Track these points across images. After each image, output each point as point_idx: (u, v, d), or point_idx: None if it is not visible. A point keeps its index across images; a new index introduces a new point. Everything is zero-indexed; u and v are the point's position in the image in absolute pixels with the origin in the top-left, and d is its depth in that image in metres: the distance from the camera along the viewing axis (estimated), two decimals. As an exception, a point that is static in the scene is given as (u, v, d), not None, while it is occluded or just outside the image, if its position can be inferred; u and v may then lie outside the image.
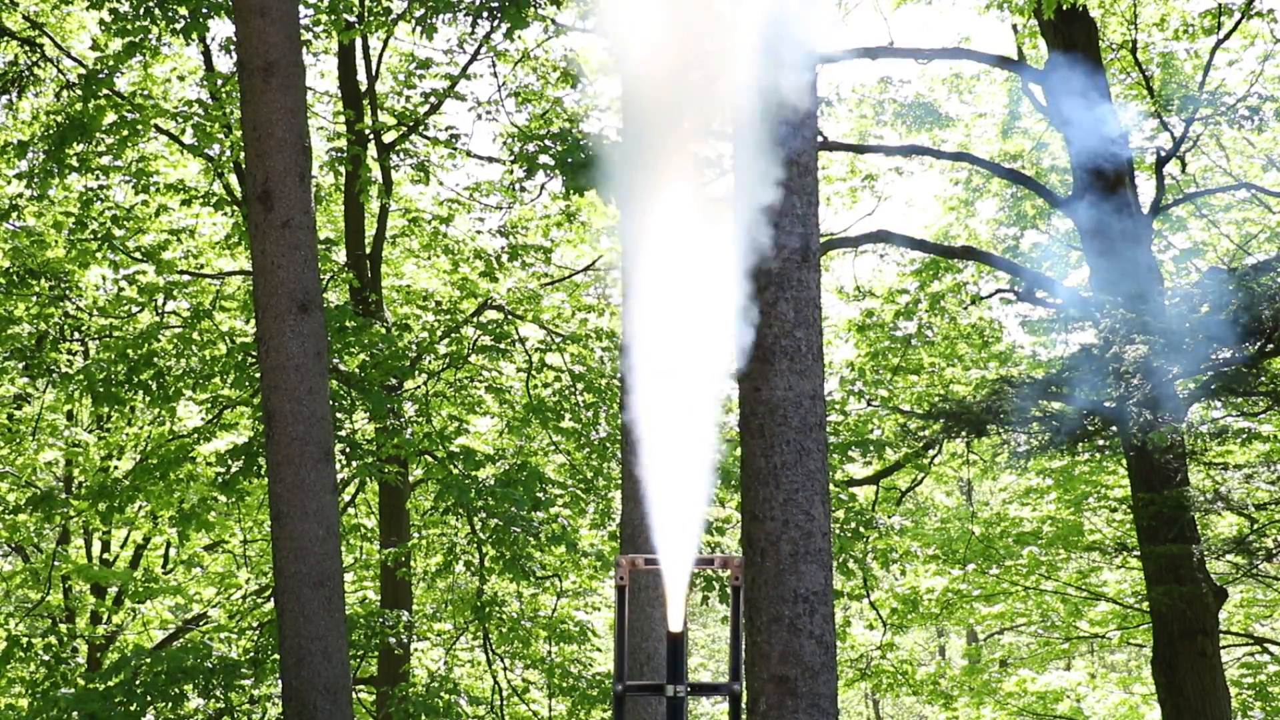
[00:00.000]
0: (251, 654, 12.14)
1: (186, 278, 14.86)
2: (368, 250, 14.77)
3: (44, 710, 9.99)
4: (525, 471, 12.32)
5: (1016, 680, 19.44)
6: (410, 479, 15.02)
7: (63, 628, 16.31)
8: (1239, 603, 18.05)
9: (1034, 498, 19.30)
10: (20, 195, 14.34)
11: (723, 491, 13.65)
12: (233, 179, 14.33)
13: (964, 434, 12.24)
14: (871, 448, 14.77)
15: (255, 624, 14.39)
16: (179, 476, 13.34)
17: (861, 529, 14.06)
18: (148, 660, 10.28)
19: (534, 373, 15.12)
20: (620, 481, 9.96)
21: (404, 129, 14.91)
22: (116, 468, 16.70)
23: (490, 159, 15.55)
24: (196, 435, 13.67)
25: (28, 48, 14.06)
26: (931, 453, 15.17)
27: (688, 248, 4.28)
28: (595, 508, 14.92)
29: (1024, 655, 21.22)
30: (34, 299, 14.18)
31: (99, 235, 13.93)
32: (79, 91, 12.96)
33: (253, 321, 12.71)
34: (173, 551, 18.50)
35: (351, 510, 16.28)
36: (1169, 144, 15.12)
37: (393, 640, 12.61)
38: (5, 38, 13.90)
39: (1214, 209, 17.73)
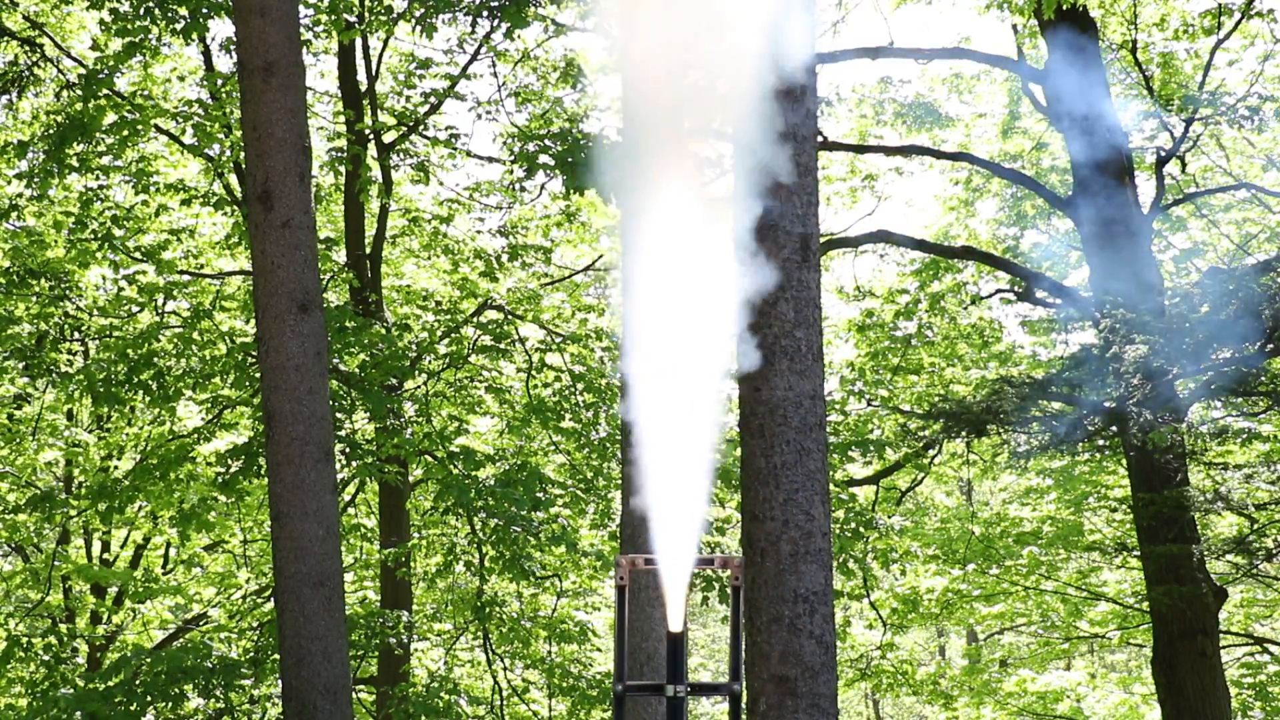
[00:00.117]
0: (251, 654, 12.13)
1: (186, 278, 14.86)
2: (368, 250, 14.77)
3: (44, 710, 9.98)
4: (525, 471, 12.32)
5: (1016, 680, 19.45)
6: (410, 479, 15.02)
7: (63, 628, 16.31)
8: (1239, 603, 18.05)
9: (1034, 498, 19.30)
10: (20, 195, 14.34)
11: (723, 491, 13.65)
12: (233, 179, 14.33)
13: (964, 434, 12.24)
14: (871, 448, 14.77)
15: (255, 624, 14.39)
16: (179, 476, 13.33)
17: (861, 529, 14.05)
18: (148, 660, 10.28)
19: (534, 373, 15.12)
20: (620, 481, 9.97)
21: (404, 129, 14.91)
22: (116, 468, 16.70)
23: (490, 159, 15.55)
24: (196, 435, 13.67)
25: (28, 48, 14.06)
26: (931, 453, 15.16)
27: (688, 248, 4.28)
28: (595, 508, 14.92)
29: (1024, 655, 21.22)
30: (34, 299, 14.17)
31: (99, 235, 13.93)
32: (79, 91, 12.96)
33: (253, 321, 12.71)
34: (173, 551, 18.50)
35: (351, 510, 16.28)
36: (1169, 144, 15.12)
37: (393, 640, 12.61)
38: (5, 38, 13.89)
39: (1214, 209, 17.73)
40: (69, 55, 14.62)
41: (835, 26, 16.26)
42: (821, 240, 9.07)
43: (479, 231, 16.60)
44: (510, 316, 15.08)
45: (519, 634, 15.28)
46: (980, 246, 18.35)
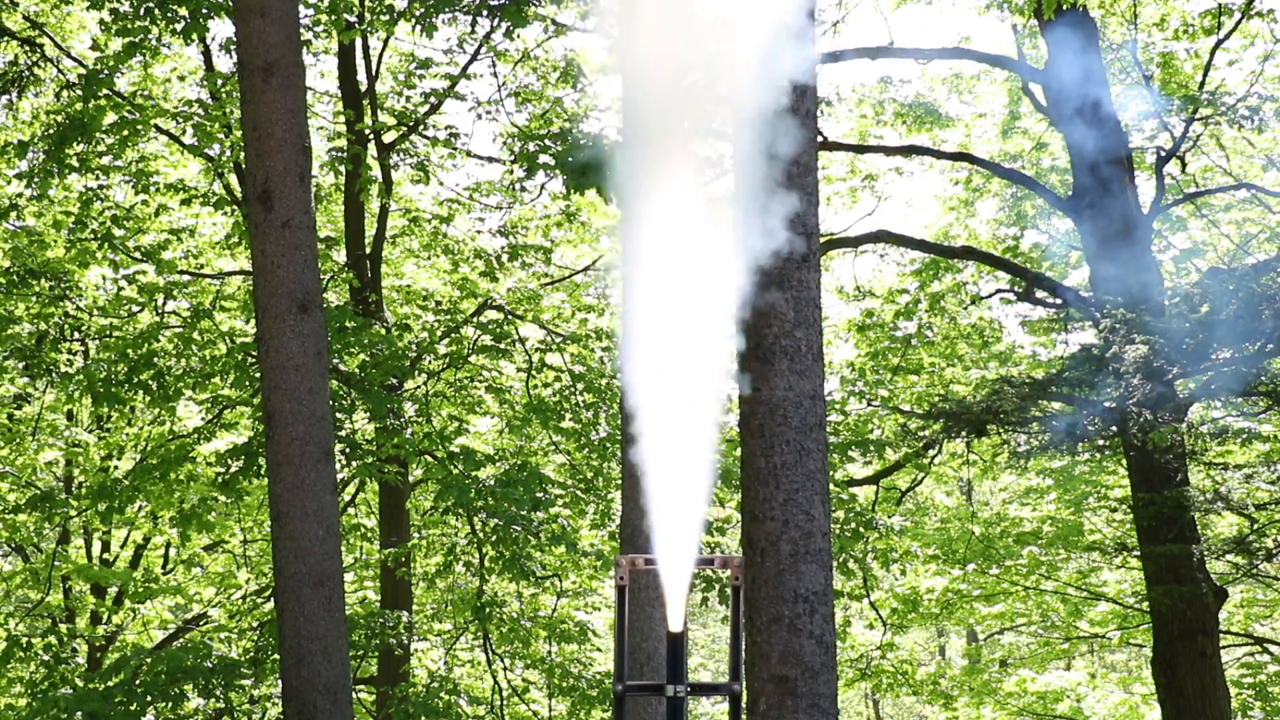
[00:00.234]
0: (251, 654, 12.13)
1: (186, 278, 14.86)
2: (368, 250, 14.77)
3: (44, 710, 9.98)
4: (525, 471, 12.32)
5: (1016, 680, 19.45)
6: (410, 479, 15.02)
7: (63, 628, 16.29)
8: (1239, 603, 18.05)
9: (1034, 498, 19.30)
10: (20, 195, 14.34)
11: (723, 491, 13.65)
12: (233, 179, 14.33)
13: (964, 434, 12.24)
14: (871, 448, 14.77)
15: (255, 624, 14.39)
16: (179, 476, 13.33)
17: (861, 529, 14.05)
18: (148, 660, 10.29)
19: (534, 373, 15.12)
20: (620, 481, 9.96)
21: (404, 129, 14.91)
22: (116, 468, 16.70)
23: (490, 159, 15.55)
24: (196, 435, 13.67)
25: (28, 48, 14.06)
26: (931, 453, 15.16)
27: (688, 248, 4.28)
28: (595, 508, 14.92)
29: (1024, 655, 21.22)
30: (34, 299, 14.17)
31: (99, 235, 13.93)
32: (79, 91, 12.96)
33: (253, 321, 12.71)
34: (173, 551, 18.51)
35: (351, 510, 16.28)
36: (1169, 144, 15.12)
37: (393, 640, 12.61)
38: (5, 38, 13.89)
39: (1214, 209, 17.73)
40: (69, 55, 14.62)
41: (835, 26, 16.25)
42: (821, 240, 9.07)
43: (479, 231, 16.60)
44: (510, 316, 15.08)
45: (519, 634, 15.28)
46: (980, 246, 18.34)
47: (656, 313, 4.21)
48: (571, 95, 15.04)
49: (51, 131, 13.32)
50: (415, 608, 15.96)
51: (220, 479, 12.14)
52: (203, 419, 14.51)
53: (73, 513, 14.83)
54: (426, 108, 14.91)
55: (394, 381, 13.13)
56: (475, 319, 15.08)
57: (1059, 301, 15.81)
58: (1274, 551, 12.45)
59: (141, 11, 11.69)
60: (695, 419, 4.10)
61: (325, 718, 7.39)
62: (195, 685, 10.02)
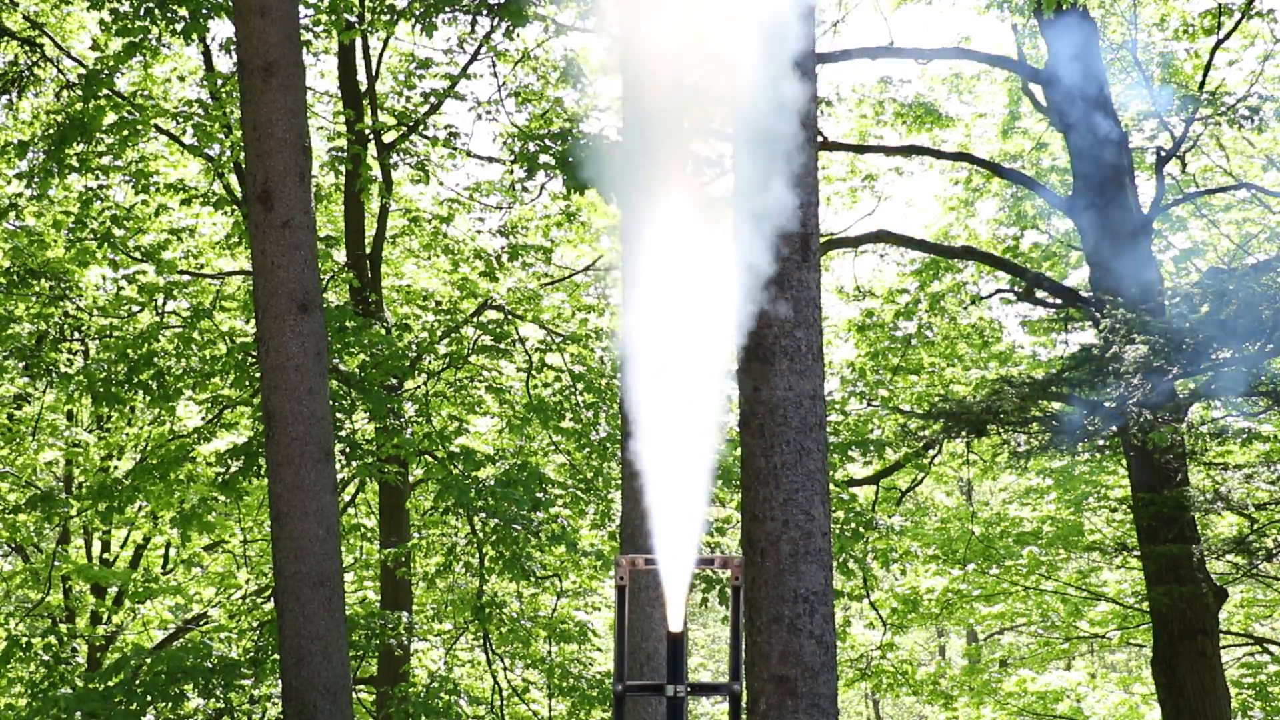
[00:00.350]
0: (251, 654, 12.12)
1: (186, 278, 14.86)
2: (368, 250, 14.77)
3: (44, 710, 9.99)
4: (525, 471, 12.32)
5: (1016, 680, 19.46)
6: (410, 479, 15.02)
7: (63, 628, 16.29)
8: (1239, 603, 18.05)
9: (1034, 498, 19.31)
10: (20, 195, 14.34)
11: (723, 491, 13.65)
12: (233, 179, 14.33)
13: (964, 434, 12.23)
14: (871, 448, 14.77)
15: (255, 624, 14.39)
16: (179, 476, 13.34)
17: (861, 529, 14.06)
18: (148, 660, 10.28)
19: (534, 373, 15.12)
20: (620, 481, 9.97)
21: (404, 129, 14.91)
22: (116, 468, 16.70)
23: (490, 159, 15.54)
24: (196, 435, 13.67)
25: (28, 48, 14.06)
26: (931, 453, 15.16)
27: (688, 248, 4.28)
28: (595, 508, 14.92)
29: (1024, 655, 21.22)
30: (34, 299, 14.17)
31: (99, 235, 13.93)
32: (79, 91, 12.96)
33: (253, 321, 12.71)
34: (173, 551, 18.51)
35: (351, 510, 16.28)
36: (1169, 144, 15.12)
37: (393, 640, 12.61)
38: (5, 38, 13.89)
39: (1214, 209, 17.73)
40: (69, 55, 14.62)
41: (835, 26, 16.26)
42: (821, 240, 9.07)
43: (479, 231, 16.60)
44: (510, 316, 15.08)
45: (519, 634, 15.28)
46: (980, 246, 18.35)
47: (656, 313, 4.21)
48: (571, 95, 15.05)
49: (51, 131, 13.31)
50: (415, 608, 15.96)
51: (220, 479, 12.14)
52: (203, 419, 14.51)
53: (73, 513, 14.83)
54: (426, 108, 14.91)
55: (394, 381, 13.13)
56: (475, 319, 15.09)
57: (1059, 301, 15.81)
58: (1274, 551, 12.45)
59: (141, 11, 11.69)
60: (695, 419, 4.10)
61: (325, 718, 7.39)
62: (195, 685, 10.01)
